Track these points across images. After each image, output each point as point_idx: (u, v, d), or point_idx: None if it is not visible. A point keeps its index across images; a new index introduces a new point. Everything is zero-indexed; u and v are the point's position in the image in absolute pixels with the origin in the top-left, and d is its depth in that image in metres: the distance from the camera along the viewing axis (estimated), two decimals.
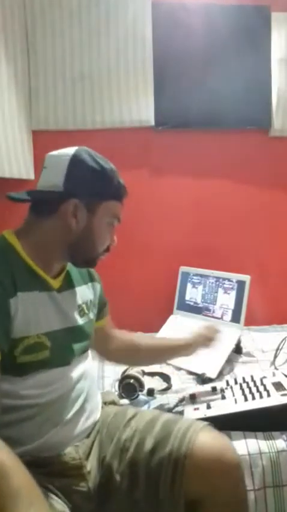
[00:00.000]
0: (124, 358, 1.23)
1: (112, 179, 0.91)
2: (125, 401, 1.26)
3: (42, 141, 1.88)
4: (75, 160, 0.88)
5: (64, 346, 0.91)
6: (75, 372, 0.93)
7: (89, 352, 1.04)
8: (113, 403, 1.13)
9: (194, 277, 1.88)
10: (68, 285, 0.96)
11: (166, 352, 1.27)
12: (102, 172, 0.89)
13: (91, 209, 0.89)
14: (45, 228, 0.88)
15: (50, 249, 0.89)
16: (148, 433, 0.93)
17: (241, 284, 1.72)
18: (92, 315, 1.03)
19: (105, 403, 1.09)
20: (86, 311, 1.00)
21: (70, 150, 0.90)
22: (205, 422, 0.93)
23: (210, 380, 1.38)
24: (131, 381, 1.27)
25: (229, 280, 1.76)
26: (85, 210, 0.88)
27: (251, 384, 1.16)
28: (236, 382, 1.20)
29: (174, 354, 1.30)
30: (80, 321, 0.97)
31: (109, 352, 1.19)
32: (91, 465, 0.92)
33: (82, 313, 0.98)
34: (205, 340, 1.27)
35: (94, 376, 1.05)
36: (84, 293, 1.01)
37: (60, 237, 0.89)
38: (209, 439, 0.88)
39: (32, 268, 0.86)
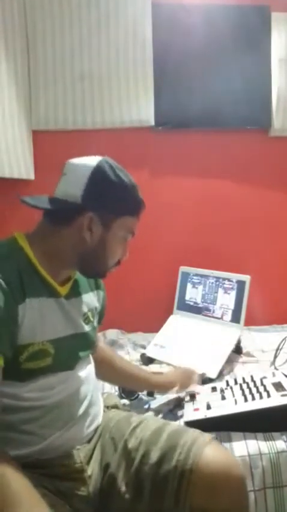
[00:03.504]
0: (98, 372, 1.22)
1: (131, 195, 0.91)
2: (125, 401, 1.26)
3: (42, 141, 1.88)
4: (96, 173, 0.86)
5: (68, 353, 0.91)
6: (79, 375, 0.93)
7: (91, 357, 1.04)
8: (116, 407, 1.12)
9: (194, 277, 1.88)
10: (75, 292, 0.96)
11: (138, 382, 1.24)
12: (122, 188, 0.88)
13: (107, 224, 0.88)
14: (59, 236, 0.88)
15: (61, 258, 0.89)
16: (153, 444, 0.92)
17: (241, 284, 1.72)
18: (95, 323, 1.03)
19: (107, 407, 1.08)
20: (91, 318, 1.00)
21: (92, 161, 0.88)
22: (211, 436, 0.92)
23: (210, 380, 1.38)
24: None
25: (229, 280, 1.76)
26: (101, 224, 0.88)
27: (251, 384, 1.15)
28: (236, 383, 1.20)
29: (147, 388, 1.27)
30: (86, 328, 0.96)
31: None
32: (92, 469, 0.92)
33: (87, 321, 0.98)
34: (181, 385, 1.25)
35: (97, 380, 1.05)
36: (91, 300, 1.01)
37: (72, 247, 0.88)
38: (215, 454, 0.87)
39: (41, 274, 0.86)
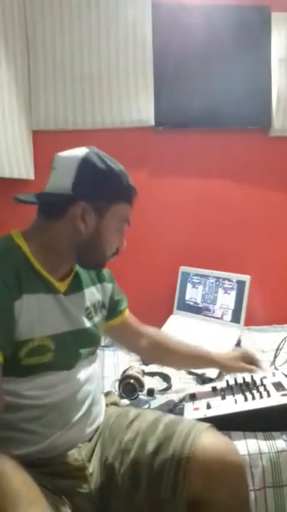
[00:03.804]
0: (155, 358, 1.25)
1: (121, 181, 0.90)
2: (125, 401, 1.26)
3: (42, 141, 1.88)
4: (84, 162, 0.87)
5: (69, 349, 0.91)
6: (81, 374, 0.93)
7: (96, 355, 1.03)
8: (115, 404, 1.12)
9: (194, 277, 1.88)
10: (76, 287, 0.96)
11: (197, 362, 1.26)
12: (110, 175, 0.88)
13: (100, 212, 0.88)
14: (54, 230, 0.88)
15: (58, 251, 0.89)
16: (150, 434, 0.92)
17: (241, 284, 1.72)
18: (98, 318, 1.02)
19: (107, 405, 1.08)
20: (93, 313, 0.99)
21: (79, 152, 0.88)
22: (208, 424, 0.92)
23: (210, 380, 1.38)
24: (131, 381, 1.27)
25: (229, 280, 1.76)
26: (94, 213, 0.88)
27: (251, 384, 1.15)
28: (236, 382, 1.20)
29: (204, 366, 1.29)
30: (87, 323, 0.96)
31: (141, 350, 1.20)
32: (93, 467, 0.92)
33: (90, 316, 0.98)
34: (243, 369, 1.24)
35: (99, 380, 1.05)
36: (93, 295, 1.01)
37: (68, 239, 0.88)
38: (211, 441, 0.87)
39: (38, 271, 0.86)
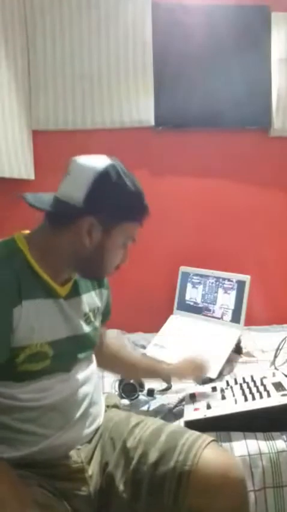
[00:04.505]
0: (106, 366, 1.21)
1: (134, 202, 0.88)
2: (125, 401, 1.26)
3: (42, 141, 1.88)
4: (100, 177, 0.83)
5: (67, 355, 0.90)
6: (79, 375, 0.93)
7: (93, 356, 1.03)
8: (116, 406, 1.12)
9: (194, 277, 1.88)
10: (76, 292, 0.95)
11: (144, 372, 1.25)
12: (125, 194, 0.85)
13: (107, 230, 0.86)
14: (59, 238, 0.86)
15: (60, 259, 0.88)
16: (152, 444, 0.91)
17: (241, 284, 1.72)
18: (97, 323, 1.01)
19: (107, 407, 1.08)
20: (92, 319, 0.98)
21: (98, 163, 0.84)
22: (211, 438, 0.91)
23: (210, 380, 1.38)
24: (131, 381, 1.27)
25: (229, 280, 1.76)
26: (101, 230, 0.85)
27: (251, 384, 1.15)
28: (236, 382, 1.20)
29: (153, 376, 1.28)
30: (86, 328, 0.95)
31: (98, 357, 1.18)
32: (93, 469, 0.91)
33: (88, 321, 0.97)
34: (193, 372, 1.26)
35: (98, 380, 1.04)
36: (92, 300, 1.00)
37: (71, 250, 0.87)
38: (214, 455, 0.87)
39: (39, 275, 0.85)
